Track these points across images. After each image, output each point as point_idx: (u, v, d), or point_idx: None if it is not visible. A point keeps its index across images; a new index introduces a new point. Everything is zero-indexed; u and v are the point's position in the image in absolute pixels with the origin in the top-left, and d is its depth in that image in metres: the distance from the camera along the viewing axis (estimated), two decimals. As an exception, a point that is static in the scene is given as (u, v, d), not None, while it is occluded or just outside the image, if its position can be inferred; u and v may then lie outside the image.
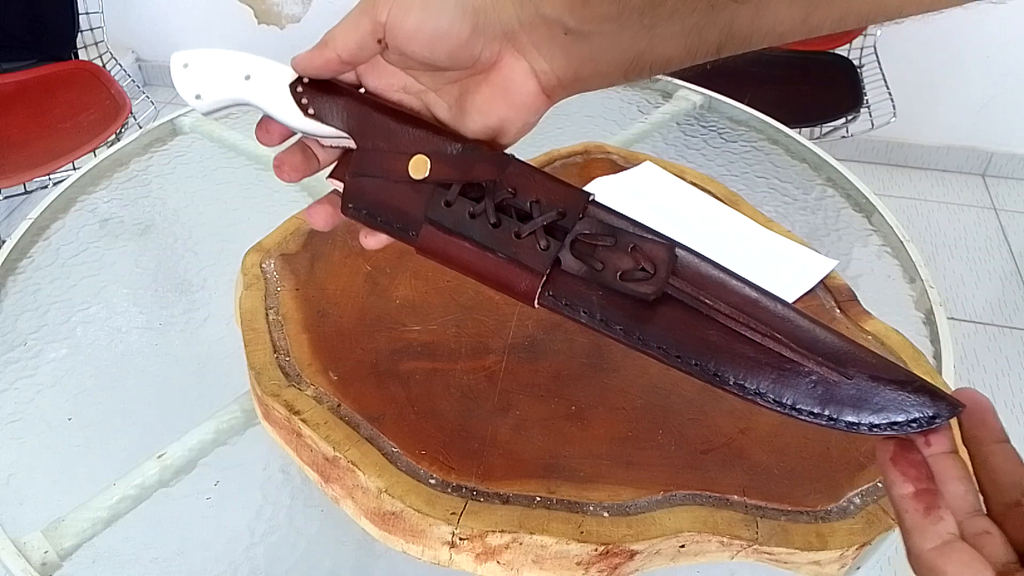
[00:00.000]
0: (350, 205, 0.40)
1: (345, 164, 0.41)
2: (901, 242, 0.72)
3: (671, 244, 0.37)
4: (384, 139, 0.38)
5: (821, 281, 0.63)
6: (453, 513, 0.44)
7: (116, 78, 1.55)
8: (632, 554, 0.44)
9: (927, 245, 1.86)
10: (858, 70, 1.66)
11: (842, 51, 1.70)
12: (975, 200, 2.01)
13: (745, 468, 0.48)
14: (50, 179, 1.35)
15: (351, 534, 0.49)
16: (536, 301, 0.38)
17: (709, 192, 0.72)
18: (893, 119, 1.58)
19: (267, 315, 0.55)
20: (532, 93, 0.38)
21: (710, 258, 0.37)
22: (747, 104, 0.92)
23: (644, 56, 0.36)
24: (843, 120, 1.54)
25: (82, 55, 1.60)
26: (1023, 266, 1.81)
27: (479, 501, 0.45)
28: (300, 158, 0.41)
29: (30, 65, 1.56)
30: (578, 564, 0.44)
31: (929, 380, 0.33)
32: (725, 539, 0.45)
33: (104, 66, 1.59)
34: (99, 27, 1.61)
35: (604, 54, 0.36)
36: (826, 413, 0.33)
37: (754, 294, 0.36)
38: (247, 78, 0.39)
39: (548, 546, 0.43)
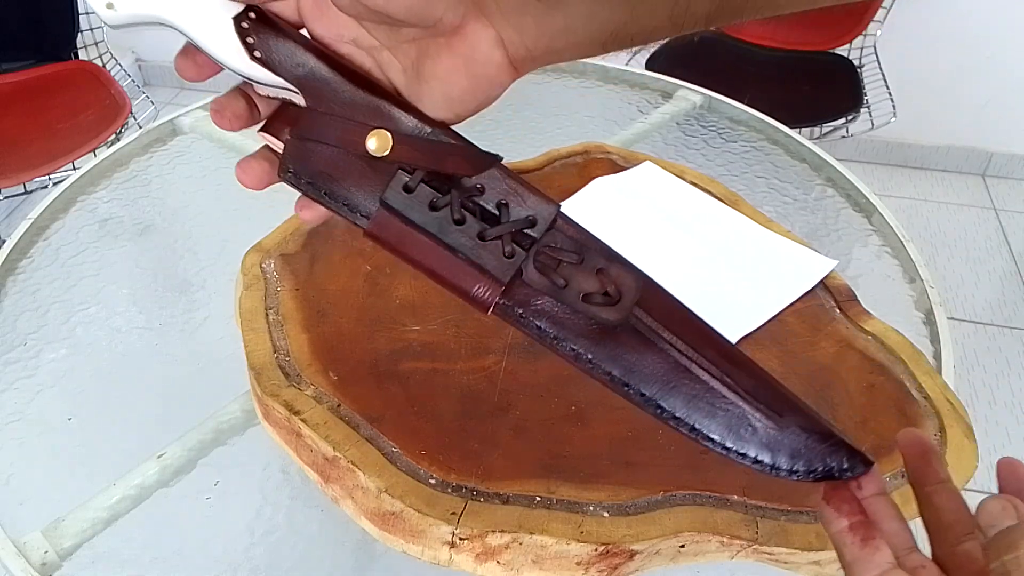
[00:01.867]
0: (290, 170, 0.35)
1: (283, 119, 0.36)
2: (901, 242, 0.72)
3: (639, 272, 0.35)
4: (340, 103, 0.34)
5: (821, 281, 0.63)
6: (453, 513, 0.44)
7: (116, 78, 1.55)
8: (632, 554, 0.44)
9: (927, 245, 1.86)
10: (858, 70, 1.66)
11: (842, 51, 1.70)
12: (975, 200, 2.02)
13: (745, 468, 0.48)
14: (50, 179, 1.35)
15: (351, 534, 0.49)
16: (490, 310, 0.35)
17: (709, 192, 0.72)
18: (893, 119, 1.58)
19: (267, 315, 0.55)
20: (497, 64, 0.34)
21: (670, 292, 0.36)
22: (747, 104, 0.92)
23: (626, 27, 0.33)
24: (843, 120, 1.54)
25: (82, 55, 1.60)
26: (1023, 266, 1.81)
27: (479, 501, 0.45)
28: (243, 105, 0.36)
29: (30, 65, 1.56)
30: (578, 564, 0.44)
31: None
32: (725, 539, 0.45)
33: (104, 66, 1.59)
34: (99, 27, 1.61)
35: (581, 24, 0.33)
36: (752, 455, 0.34)
37: (711, 334, 0.36)
38: None
39: (548, 546, 0.43)
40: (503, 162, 0.36)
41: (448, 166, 0.34)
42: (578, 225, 0.36)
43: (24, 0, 1.54)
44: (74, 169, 1.28)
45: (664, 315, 0.35)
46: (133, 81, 1.60)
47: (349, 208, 0.36)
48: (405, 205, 0.34)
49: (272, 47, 0.34)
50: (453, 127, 0.36)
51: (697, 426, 0.35)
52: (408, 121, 0.34)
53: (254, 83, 0.35)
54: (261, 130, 0.36)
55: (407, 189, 0.34)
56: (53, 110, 1.49)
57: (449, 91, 0.35)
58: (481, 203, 0.35)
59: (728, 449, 0.35)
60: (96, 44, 1.61)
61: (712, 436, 0.35)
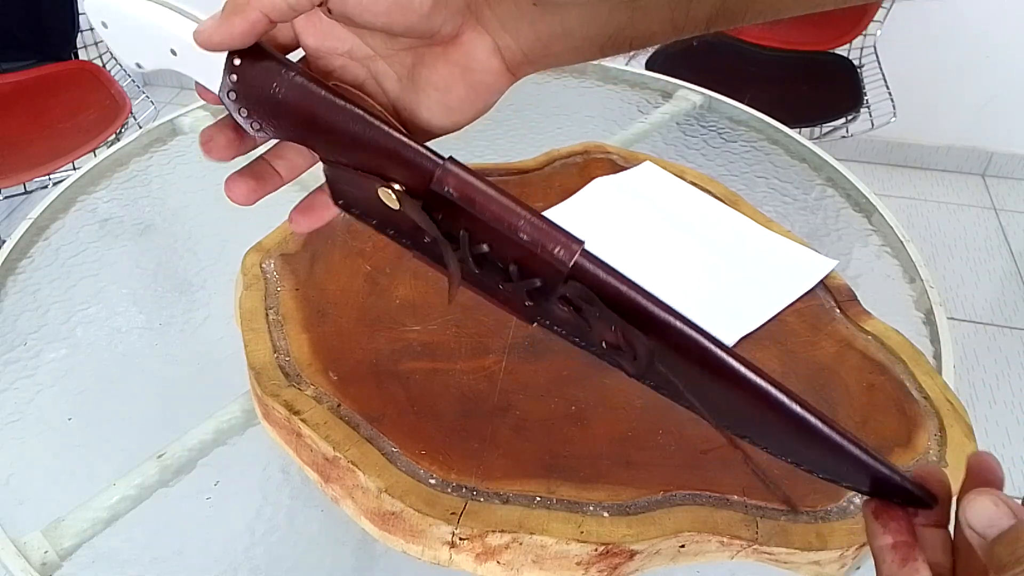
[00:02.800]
0: (340, 202, 0.36)
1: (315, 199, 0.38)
2: (901, 242, 0.72)
3: (651, 344, 0.33)
4: (342, 154, 0.34)
5: (821, 281, 0.63)
6: (453, 513, 0.44)
7: (116, 78, 1.55)
8: (632, 554, 0.44)
9: (927, 245, 1.86)
10: (858, 70, 1.66)
11: (842, 51, 1.70)
12: (975, 200, 2.02)
13: (745, 468, 0.48)
14: (50, 179, 1.35)
15: (351, 534, 0.49)
16: (533, 324, 0.37)
17: (709, 192, 0.72)
18: (893, 119, 1.58)
19: (267, 315, 0.55)
20: (495, 72, 0.34)
21: (693, 339, 0.33)
22: (747, 104, 0.92)
23: (624, 31, 0.33)
24: (843, 120, 1.54)
25: (82, 55, 1.60)
26: (1023, 266, 1.81)
27: (479, 501, 0.45)
28: (234, 135, 0.35)
29: (30, 65, 1.56)
30: (578, 564, 0.44)
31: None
32: (725, 539, 0.45)
33: (104, 66, 1.59)
34: (99, 27, 1.61)
35: (579, 28, 0.33)
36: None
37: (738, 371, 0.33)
38: (173, 53, 0.33)
39: (548, 546, 0.43)
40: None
41: (445, 226, 0.34)
42: (602, 263, 0.33)
43: (24, 0, 1.54)
44: (74, 169, 1.28)
45: (688, 374, 0.34)
46: (133, 81, 1.60)
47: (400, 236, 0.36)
48: (432, 249, 0.35)
49: (257, 105, 0.33)
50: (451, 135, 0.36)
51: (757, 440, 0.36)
52: (406, 167, 0.33)
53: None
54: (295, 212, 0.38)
55: (426, 240, 0.35)
56: (53, 110, 1.49)
57: (447, 100, 0.35)
58: (494, 261, 0.34)
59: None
60: (96, 44, 1.61)
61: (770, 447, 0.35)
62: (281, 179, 0.37)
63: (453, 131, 0.36)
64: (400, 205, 0.33)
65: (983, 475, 0.31)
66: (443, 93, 0.34)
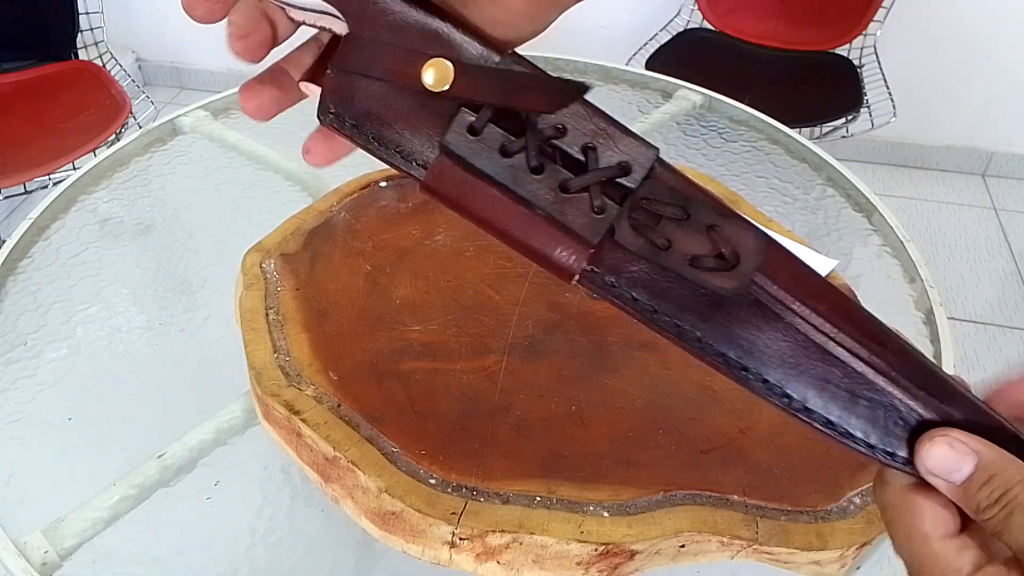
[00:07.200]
0: (331, 110, 0.29)
1: (326, 61, 0.30)
2: (901, 242, 0.72)
3: (759, 231, 0.29)
4: (389, 27, 0.28)
5: (821, 281, 0.62)
6: (453, 513, 0.44)
7: (116, 78, 1.56)
8: (632, 554, 0.44)
9: (927, 245, 1.86)
10: (858, 70, 1.66)
11: (842, 51, 1.70)
12: (975, 200, 2.02)
13: (745, 468, 0.48)
14: (50, 179, 1.35)
15: (351, 534, 0.49)
16: (575, 278, 0.29)
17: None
18: (893, 119, 1.58)
19: (267, 315, 0.55)
20: None
21: (796, 255, 0.29)
22: (747, 104, 0.92)
23: None
24: (843, 120, 1.54)
25: (82, 55, 1.60)
26: (1023, 266, 1.81)
27: (479, 501, 0.45)
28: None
29: (30, 65, 1.56)
30: (578, 564, 0.44)
31: None
32: (725, 539, 0.45)
33: (104, 66, 1.59)
34: (99, 27, 1.61)
35: None
36: (903, 454, 0.28)
37: (850, 306, 0.29)
38: None
39: (548, 546, 0.43)
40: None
41: (523, 101, 0.28)
42: (681, 174, 0.29)
43: (24, 0, 1.54)
44: (74, 169, 1.28)
45: (791, 281, 0.29)
46: (133, 81, 1.60)
47: (402, 155, 0.29)
48: (471, 151, 0.28)
49: None
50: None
51: (833, 419, 0.28)
52: (472, 48, 0.28)
53: (289, 9, 0.29)
54: (303, 79, 0.31)
55: (472, 131, 0.28)
56: (53, 110, 1.49)
57: (500, 13, 0.29)
58: (563, 147, 0.28)
59: (873, 447, 0.28)
60: (96, 44, 1.61)
61: (854, 432, 0.28)
62: (301, 93, 0.32)
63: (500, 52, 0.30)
64: (453, 81, 0.28)
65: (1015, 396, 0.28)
66: (498, 7, 0.29)
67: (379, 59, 0.28)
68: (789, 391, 0.28)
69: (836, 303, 0.29)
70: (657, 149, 0.29)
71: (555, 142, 0.28)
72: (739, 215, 0.29)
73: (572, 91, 0.28)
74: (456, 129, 0.28)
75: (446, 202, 0.29)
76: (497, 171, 0.28)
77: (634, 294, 0.29)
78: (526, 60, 0.29)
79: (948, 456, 0.26)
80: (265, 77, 0.31)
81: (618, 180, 0.28)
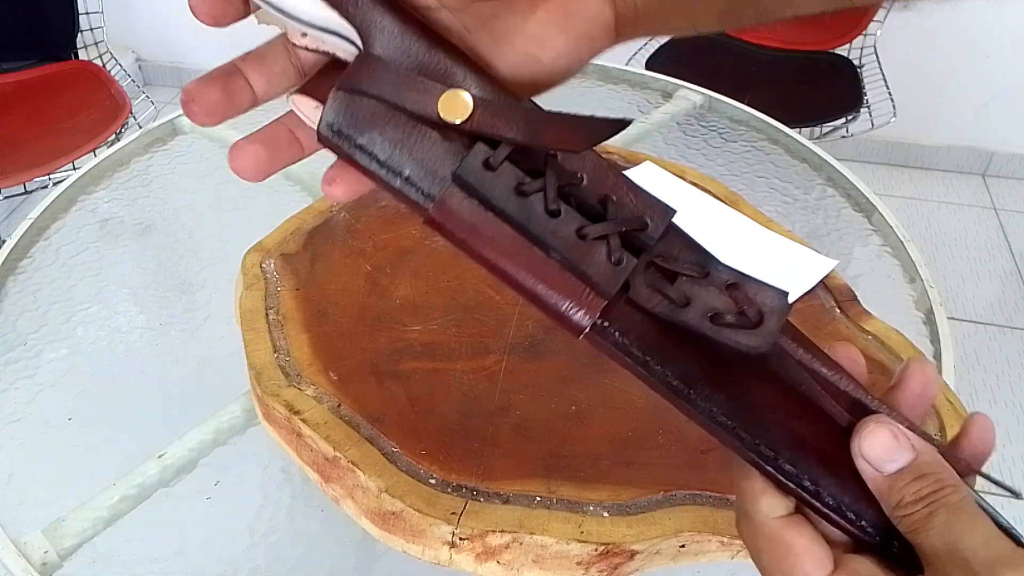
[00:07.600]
0: (334, 128, 0.27)
1: (327, 77, 0.28)
2: (901, 242, 0.72)
3: (780, 291, 0.28)
4: (406, 54, 0.27)
5: (821, 281, 0.63)
6: (453, 513, 0.44)
7: (116, 78, 1.56)
8: (632, 554, 0.44)
9: (927, 245, 1.86)
10: (858, 70, 1.66)
11: (842, 51, 1.70)
12: (975, 200, 2.02)
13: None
14: (50, 179, 1.35)
15: (351, 534, 0.49)
16: (584, 332, 0.27)
17: (709, 192, 0.72)
18: (893, 119, 1.58)
19: (267, 315, 0.55)
20: (603, 25, 0.28)
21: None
22: (747, 104, 0.92)
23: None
24: (843, 120, 1.54)
25: (82, 55, 1.60)
26: (1023, 266, 1.81)
27: (479, 501, 0.45)
28: (219, 95, 0.28)
29: (30, 65, 1.56)
30: (578, 564, 0.44)
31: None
32: (725, 539, 0.45)
33: (104, 66, 1.59)
34: (99, 27, 1.61)
35: None
36: None
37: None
38: None
39: (548, 546, 0.43)
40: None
41: (548, 138, 0.26)
42: (692, 239, 0.29)
43: (24, 0, 1.54)
44: (74, 169, 1.28)
45: (811, 344, 0.28)
46: (133, 81, 1.60)
47: (410, 185, 0.27)
48: (485, 185, 0.26)
49: None
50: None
51: (844, 506, 0.26)
52: (489, 83, 0.27)
53: (302, 20, 0.28)
54: (298, 91, 0.29)
55: (488, 166, 0.26)
56: (53, 110, 1.49)
57: (540, 53, 0.28)
58: (582, 197, 0.27)
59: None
60: (96, 44, 1.61)
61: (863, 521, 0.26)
62: (301, 150, 0.30)
63: (534, 95, 0.29)
64: (471, 114, 0.26)
65: (979, 436, 0.28)
66: (537, 44, 0.28)
67: (393, 82, 0.27)
68: (802, 472, 0.26)
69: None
70: (675, 210, 0.28)
71: (571, 189, 0.27)
72: (756, 279, 0.29)
73: (604, 127, 0.27)
74: (471, 161, 0.26)
75: (451, 237, 0.27)
76: (511, 208, 0.26)
77: (644, 353, 0.27)
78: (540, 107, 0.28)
79: (889, 445, 0.25)
80: (256, 136, 0.30)
81: (636, 232, 0.27)
